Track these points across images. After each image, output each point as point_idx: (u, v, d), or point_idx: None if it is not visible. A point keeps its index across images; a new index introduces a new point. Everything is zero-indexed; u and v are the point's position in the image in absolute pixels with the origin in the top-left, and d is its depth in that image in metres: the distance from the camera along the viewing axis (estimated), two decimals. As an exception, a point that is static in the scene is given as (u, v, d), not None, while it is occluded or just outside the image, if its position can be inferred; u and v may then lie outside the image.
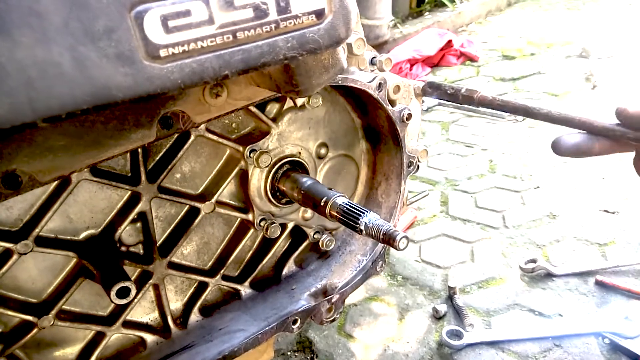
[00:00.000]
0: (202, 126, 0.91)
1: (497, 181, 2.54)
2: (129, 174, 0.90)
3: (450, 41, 4.12)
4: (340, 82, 0.96)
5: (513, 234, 2.14)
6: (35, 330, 0.84)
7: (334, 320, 1.16)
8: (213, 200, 0.98)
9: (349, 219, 0.88)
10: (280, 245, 1.17)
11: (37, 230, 0.80)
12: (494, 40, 4.69)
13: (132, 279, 0.92)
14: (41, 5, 0.45)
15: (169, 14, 0.51)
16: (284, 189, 1.04)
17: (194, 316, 1.06)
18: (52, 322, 0.85)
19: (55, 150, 0.63)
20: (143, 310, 1.01)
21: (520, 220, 2.21)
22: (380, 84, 1.02)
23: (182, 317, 1.06)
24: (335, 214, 0.91)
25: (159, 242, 0.97)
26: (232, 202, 1.05)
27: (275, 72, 0.71)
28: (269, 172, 1.04)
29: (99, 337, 0.94)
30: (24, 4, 0.44)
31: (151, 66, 0.50)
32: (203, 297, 1.05)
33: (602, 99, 3.24)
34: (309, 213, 1.16)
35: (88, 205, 0.87)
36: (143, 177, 0.88)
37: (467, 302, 1.80)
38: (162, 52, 0.51)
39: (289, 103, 1.03)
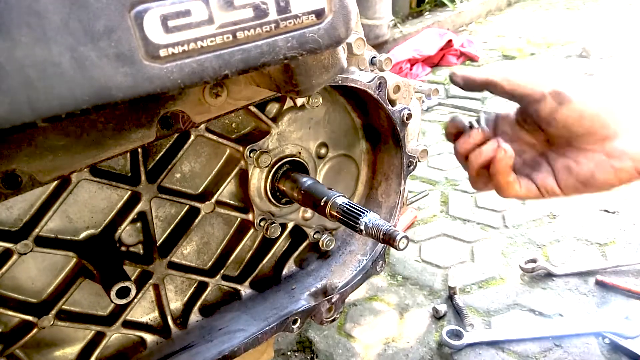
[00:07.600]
0: (202, 126, 0.91)
1: (497, 181, 2.53)
2: (129, 174, 0.90)
3: (450, 41, 4.11)
4: (340, 82, 0.96)
5: (513, 233, 2.14)
6: (35, 330, 0.84)
7: (334, 320, 1.16)
8: (213, 200, 0.98)
9: (349, 219, 0.88)
10: (280, 245, 1.17)
11: (37, 230, 0.80)
12: (494, 40, 4.69)
13: (132, 279, 0.92)
14: (41, 4, 0.44)
15: (168, 13, 0.51)
16: (284, 189, 1.03)
17: (194, 316, 1.06)
18: (52, 322, 0.85)
19: (55, 150, 0.63)
20: (143, 310, 1.01)
21: (520, 220, 2.21)
22: (380, 83, 1.02)
23: (182, 317, 1.05)
24: (335, 214, 0.91)
25: (159, 242, 0.97)
26: (232, 202, 1.05)
27: (275, 72, 0.71)
28: (269, 172, 1.04)
29: (98, 337, 0.94)
30: (23, 4, 0.44)
31: (151, 66, 0.50)
32: (203, 297, 1.05)
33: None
34: (309, 213, 1.16)
35: (88, 205, 0.87)
36: (143, 177, 0.88)
37: (467, 302, 1.80)
38: (162, 52, 0.51)
39: (288, 103, 1.03)
